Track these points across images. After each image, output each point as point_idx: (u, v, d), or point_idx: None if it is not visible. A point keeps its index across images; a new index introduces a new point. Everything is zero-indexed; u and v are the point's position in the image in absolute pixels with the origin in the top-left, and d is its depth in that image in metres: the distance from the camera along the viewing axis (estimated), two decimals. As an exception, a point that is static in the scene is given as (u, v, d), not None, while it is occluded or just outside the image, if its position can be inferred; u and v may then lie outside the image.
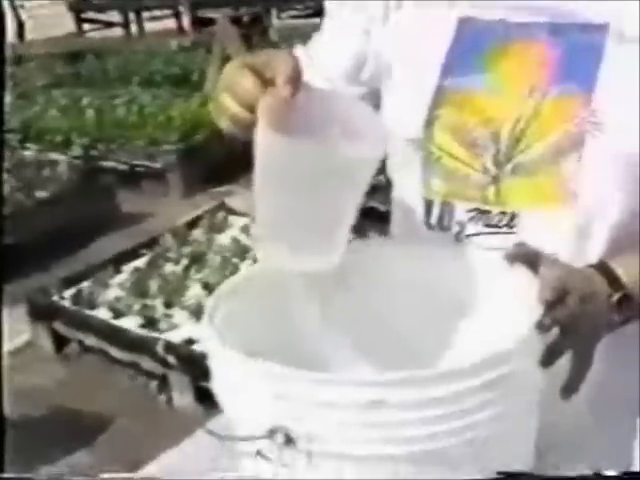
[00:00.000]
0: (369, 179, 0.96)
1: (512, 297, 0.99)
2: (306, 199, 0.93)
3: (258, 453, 0.89)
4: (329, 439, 0.84)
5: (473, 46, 1.15)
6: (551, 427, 0.97)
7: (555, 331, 0.94)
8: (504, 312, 1.01)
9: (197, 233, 4.50)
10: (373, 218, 2.58)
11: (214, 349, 0.93)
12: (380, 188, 1.33)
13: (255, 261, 3.97)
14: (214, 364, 0.94)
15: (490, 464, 0.89)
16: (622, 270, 1.03)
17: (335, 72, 1.22)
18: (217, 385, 0.94)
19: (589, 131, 1.07)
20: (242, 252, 4.07)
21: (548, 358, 0.93)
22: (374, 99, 1.24)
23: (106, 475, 1.38)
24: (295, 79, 0.90)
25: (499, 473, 0.88)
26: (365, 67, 1.23)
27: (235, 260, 4.01)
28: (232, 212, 4.70)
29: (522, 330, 0.89)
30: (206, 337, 0.94)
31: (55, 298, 3.90)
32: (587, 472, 1.18)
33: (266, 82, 0.91)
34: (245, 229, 4.41)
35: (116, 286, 3.94)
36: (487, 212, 1.13)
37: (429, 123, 1.15)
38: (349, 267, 1.06)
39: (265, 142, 0.89)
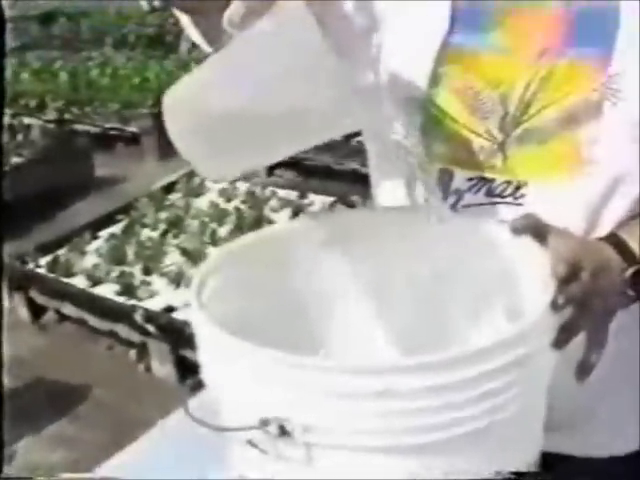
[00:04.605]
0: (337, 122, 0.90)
1: (521, 271, 0.93)
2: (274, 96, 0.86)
3: (249, 443, 0.82)
4: (329, 430, 0.77)
5: (481, 2, 1.08)
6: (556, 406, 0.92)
7: (568, 311, 0.88)
8: (511, 287, 0.95)
9: (174, 197, 4.44)
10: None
11: (202, 329, 0.86)
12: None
13: (235, 225, 3.85)
14: (201, 342, 0.87)
15: (501, 447, 0.84)
16: (636, 243, 0.97)
17: None
18: (206, 368, 0.87)
19: (607, 98, 1.01)
20: (220, 217, 4.01)
21: (562, 339, 0.87)
22: None
23: (66, 475, 1.35)
24: None
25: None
26: None
27: (213, 225, 3.95)
28: (209, 176, 4.62)
29: (536, 309, 0.83)
30: (193, 317, 0.87)
31: (31, 266, 3.85)
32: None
33: None
34: (223, 193, 4.35)
35: (93, 253, 3.88)
36: (490, 181, 1.06)
37: (431, 82, 1.08)
38: (340, 236, 1.02)
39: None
